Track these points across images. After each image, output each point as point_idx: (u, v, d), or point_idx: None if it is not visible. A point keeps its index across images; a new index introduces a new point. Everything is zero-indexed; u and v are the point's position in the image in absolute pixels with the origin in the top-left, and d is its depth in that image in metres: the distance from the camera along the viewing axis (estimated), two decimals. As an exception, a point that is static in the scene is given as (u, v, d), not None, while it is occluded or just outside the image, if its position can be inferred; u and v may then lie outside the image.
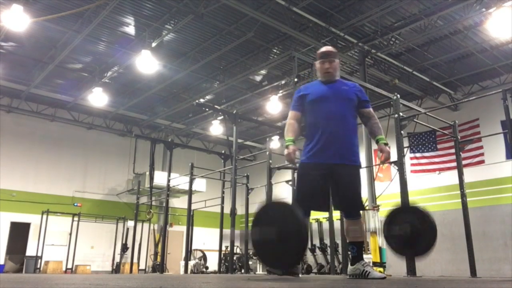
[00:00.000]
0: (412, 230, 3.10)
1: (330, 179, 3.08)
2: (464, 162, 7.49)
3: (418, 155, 13.02)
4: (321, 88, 3.29)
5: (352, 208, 3.17)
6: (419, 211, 3.23)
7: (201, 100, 13.80)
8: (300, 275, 3.02)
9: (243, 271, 10.71)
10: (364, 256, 9.17)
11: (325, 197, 3.11)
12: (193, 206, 9.99)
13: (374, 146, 10.96)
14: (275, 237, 2.53)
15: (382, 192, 8.67)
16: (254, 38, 10.38)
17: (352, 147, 3.17)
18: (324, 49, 3.38)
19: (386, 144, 3.28)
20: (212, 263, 13.71)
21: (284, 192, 11.73)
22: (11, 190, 13.81)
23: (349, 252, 3.20)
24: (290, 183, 8.82)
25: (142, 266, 13.77)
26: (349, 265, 3.22)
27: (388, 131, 7.24)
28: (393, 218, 3.22)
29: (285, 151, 3.09)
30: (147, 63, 10.51)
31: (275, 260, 2.64)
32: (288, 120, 3.28)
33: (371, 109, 3.36)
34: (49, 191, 14.58)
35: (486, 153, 11.62)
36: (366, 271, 3.01)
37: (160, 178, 13.08)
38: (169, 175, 10.40)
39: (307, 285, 2.19)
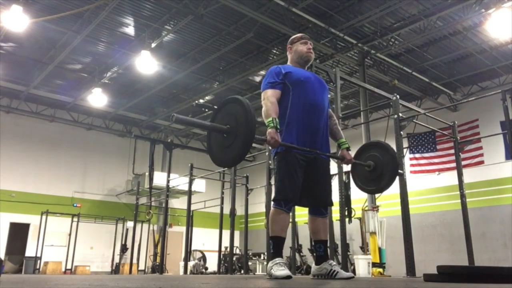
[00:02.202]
0: (375, 164, 3.22)
1: (306, 171, 2.89)
2: (463, 162, 7.49)
3: (417, 155, 13.02)
4: (302, 71, 3.06)
5: (328, 204, 2.99)
6: (381, 144, 3.36)
7: (201, 100, 13.82)
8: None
9: (242, 271, 10.71)
10: (364, 256, 9.11)
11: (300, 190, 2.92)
12: (193, 207, 9.98)
13: (374, 147, 11.01)
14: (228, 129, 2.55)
15: (382, 193, 8.66)
16: (253, 39, 10.39)
17: (328, 141, 3.04)
18: (299, 34, 3.24)
19: (348, 149, 3.16)
20: (212, 264, 13.69)
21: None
22: (11, 191, 13.79)
23: (314, 254, 3.06)
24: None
25: (141, 267, 13.75)
26: (313, 265, 3.01)
27: (387, 132, 7.24)
28: (358, 155, 3.34)
29: (269, 134, 2.72)
30: (146, 64, 10.51)
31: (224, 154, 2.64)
32: (268, 98, 2.89)
33: (330, 110, 3.20)
34: (49, 191, 14.57)
35: (486, 154, 11.63)
36: (334, 270, 2.83)
37: (159, 178, 13.07)
38: (168, 176, 10.39)
39: (307, 285, 2.19)
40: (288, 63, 3.19)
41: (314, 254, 3.05)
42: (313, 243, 3.07)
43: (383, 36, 10.12)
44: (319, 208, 2.97)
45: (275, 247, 2.83)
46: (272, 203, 2.90)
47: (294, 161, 2.84)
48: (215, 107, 2.88)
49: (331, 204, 3.01)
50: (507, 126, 5.43)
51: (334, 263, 2.94)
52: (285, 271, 2.64)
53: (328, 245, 3.06)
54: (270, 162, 8.12)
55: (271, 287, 1.86)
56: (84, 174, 15.58)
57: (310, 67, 3.36)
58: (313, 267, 2.98)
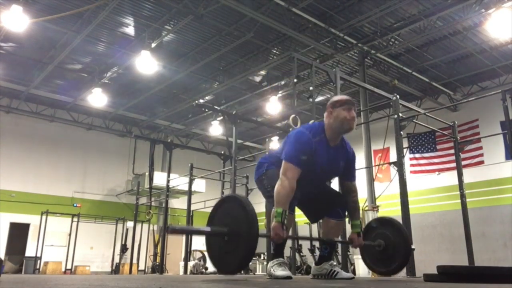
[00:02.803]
0: (386, 244, 2.98)
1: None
2: (463, 162, 7.48)
3: (417, 155, 13.02)
4: (328, 151, 2.77)
5: (343, 203, 2.96)
6: (392, 223, 3.08)
7: (201, 100, 13.80)
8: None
9: (242, 271, 10.70)
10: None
11: None
12: (193, 207, 9.99)
13: (374, 147, 11.01)
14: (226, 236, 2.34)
15: (382, 193, 8.66)
16: (253, 39, 10.39)
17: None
18: (344, 96, 2.90)
19: (359, 234, 2.91)
20: (212, 264, 13.69)
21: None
22: (11, 191, 13.79)
23: (313, 254, 3.01)
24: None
25: (141, 267, 13.76)
26: (313, 265, 2.99)
27: (387, 132, 7.24)
28: (367, 231, 3.09)
29: (273, 230, 2.52)
30: (146, 64, 10.51)
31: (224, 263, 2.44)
32: (288, 178, 2.57)
33: (355, 183, 2.96)
34: (49, 191, 14.57)
35: (486, 154, 11.63)
36: (334, 270, 2.81)
37: (159, 178, 13.07)
38: (168, 176, 10.39)
39: (307, 285, 2.19)
40: (325, 127, 2.83)
41: (314, 254, 3.06)
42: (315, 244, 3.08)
43: (383, 36, 10.11)
44: (336, 208, 2.90)
45: (275, 248, 2.82)
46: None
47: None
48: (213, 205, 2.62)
49: (345, 202, 2.93)
50: (507, 126, 5.44)
51: (335, 263, 2.92)
52: (285, 271, 2.64)
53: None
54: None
55: (271, 287, 1.86)
56: (84, 174, 15.58)
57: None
58: (313, 267, 2.97)
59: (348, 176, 2.91)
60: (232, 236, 2.33)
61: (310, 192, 2.82)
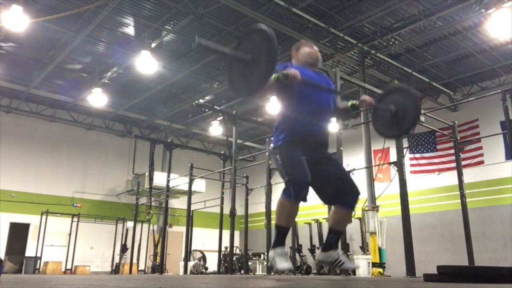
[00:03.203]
0: (396, 108, 3.10)
1: (318, 170, 2.84)
2: (463, 162, 7.49)
3: (417, 155, 13.02)
4: (310, 73, 3.03)
5: (356, 191, 2.92)
6: (401, 88, 3.28)
7: (201, 100, 13.81)
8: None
9: (242, 271, 10.71)
10: (364, 256, 9.12)
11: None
12: (193, 207, 10.00)
13: (374, 147, 11.01)
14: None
15: (382, 193, 8.67)
16: (253, 39, 10.37)
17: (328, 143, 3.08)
18: (302, 40, 3.28)
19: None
20: (212, 264, 13.70)
21: (283, 192, 11.71)
22: (11, 191, 13.80)
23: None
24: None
25: (141, 267, 13.75)
26: (319, 251, 2.97)
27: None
28: (378, 102, 3.24)
29: (290, 72, 2.68)
30: (146, 64, 10.51)
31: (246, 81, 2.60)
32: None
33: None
34: (49, 191, 14.57)
35: (486, 154, 11.63)
36: (340, 260, 2.81)
37: (159, 178, 13.07)
38: (168, 176, 10.40)
39: (307, 285, 2.19)
40: (295, 64, 3.13)
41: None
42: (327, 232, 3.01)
43: (383, 36, 10.11)
44: (347, 197, 2.88)
45: (278, 235, 2.78)
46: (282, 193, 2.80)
47: (298, 151, 2.81)
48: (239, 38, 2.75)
49: (358, 192, 2.91)
50: (507, 126, 5.44)
51: (342, 252, 2.92)
52: (287, 264, 2.63)
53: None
54: (270, 162, 8.12)
55: (271, 287, 1.86)
56: (84, 174, 15.58)
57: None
58: (319, 253, 2.95)
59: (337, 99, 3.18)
60: (253, 62, 2.50)
61: (315, 119, 2.93)
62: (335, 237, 2.93)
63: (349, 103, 3.14)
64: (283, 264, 2.62)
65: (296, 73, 2.66)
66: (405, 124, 3.10)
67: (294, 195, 2.72)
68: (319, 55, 3.15)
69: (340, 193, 2.88)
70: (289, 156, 2.83)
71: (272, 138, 3.03)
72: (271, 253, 2.74)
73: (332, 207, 2.98)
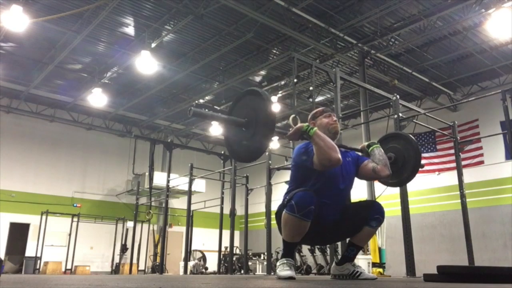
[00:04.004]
0: (396, 156, 3.00)
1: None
2: (463, 162, 7.49)
3: (417, 155, 13.00)
4: None
5: (379, 210, 2.83)
6: (401, 135, 3.15)
7: (201, 100, 13.82)
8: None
9: (242, 271, 10.71)
10: (364, 256, 9.12)
11: None
12: (193, 207, 9.99)
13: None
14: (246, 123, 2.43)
15: (382, 193, 8.65)
16: (253, 39, 10.39)
17: None
18: (319, 107, 3.03)
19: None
20: (212, 264, 13.70)
21: (283, 193, 11.71)
22: (11, 191, 13.80)
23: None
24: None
25: (141, 267, 13.76)
26: (333, 264, 2.96)
27: (387, 132, 7.24)
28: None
29: (296, 127, 2.58)
30: (146, 64, 10.51)
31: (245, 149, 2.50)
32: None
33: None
34: (49, 191, 14.57)
35: (486, 154, 11.63)
36: (357, 271, 2.80)
37: (159, 178, 13.08)
38: (168, 176, 10.40)
39: (307, 285, 2.19)
40: None
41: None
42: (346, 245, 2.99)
43: (383, 36, 10.11)
44: (375, 216, 2.78)
45: (285, 248, 2.77)
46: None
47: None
48: (233, 100, 2.68)
49: (383, 212, 2.82)
50: (507, 126, 5.44)
51: (358, 264, 2.91)
52: (288, 272, 2.64)
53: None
54: (270, 162, 8.12)
55: (271, 287, 1.86)
56: (84, 174, 15.58)
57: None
58: (334, 267, 2.93)
59: (361, 161, 2.93)
60: (250, 126, 2.41)
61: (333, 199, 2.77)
62: (354, 251, 2.90)
63: (369, 144, 2.98)
64: (285, 272, 2.64)
65: (295, 131, 2.57)
66: (404, 173, 3.01)
67: (298, 212, 2.53)
68: (338, 127, 2.89)
69: (366, 218, 2.80)
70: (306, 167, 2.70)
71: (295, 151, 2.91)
72: (278, 262, 2.76)
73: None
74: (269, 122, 2.32)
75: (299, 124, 2.60)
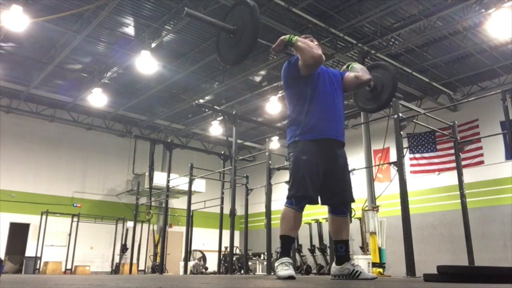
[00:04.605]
0: (375, 83, 3.21)
1: (326, 166, 2.80)
2: (463, 162, 7.49)
3: (417, 155, 13.02)
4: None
5: (348, 201, 2.92)
6: (380, 65, 3.38)
7: (201, 100, 13.81)
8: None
9: (242, 271, 10.71)
10: (364, 256, 9.11)
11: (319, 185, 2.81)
12: (193, 207, 9.99)
13: (374, 147, 11.03)
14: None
15: (382, 193, 8.67)
16: (253, 39, 10.37)
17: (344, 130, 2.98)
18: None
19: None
20: (212, 264, 13.70)
21: (283, 193, 11.71)
22: (11, 191, 13.79)
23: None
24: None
25: (141, 267, 13.76)
26: (333, 264, 2.96)
27: (387, 132, 7.24)
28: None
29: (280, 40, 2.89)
30: (146, 64, 10.51)
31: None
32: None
33: None
34: (49, 191, 14.57)
35: (486, 154, 11.63)
36: (357, 271, 2.81)
37: (159, 178, 13.08)
38: (168, 176, 10.40)
39: (307, 285, 2.19)
40: None
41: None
42: (333, 243, 3.03)
43: (383, 36, 10.11)
44: (339, 206, 2.90)
45: (283, 246, 2.81)
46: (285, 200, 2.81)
47: (310, 158, 2.75)
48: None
49: (352, 200, 2.94)
50: (507, 126, 5.44)
51: (357, 264, 2.93)
52: (288, 271, 2.65)
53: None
54: (270, 162, 8.12)
55: (271, 287, 1.86)
56: (84, 174, 15.58)
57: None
58: (334, 267, 2.95)
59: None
60: (237, 32, 2.75)
61: (329, 109, 2.89)
62: (344, 247, 2.91)
63: (346, 66, 3.18)
64: (284, 272, 2.65)
65: (278, 44, 2.89)
66: (382, 98, 3.25)
67: (296, 204, 2.75)
68: (320, 50, 3.01)
69: (336, 197, 2.90)
70: (298, 164, 2.78)
71: (287, 132, 2.99)
72: (276, 263, 2.78)
73: (328, 217, 2.99)
74: (254, 28, 2.63)
75: (282, 37, 2.86)
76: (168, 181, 10.29)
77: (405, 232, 4.85)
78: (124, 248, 13.61)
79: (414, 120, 5.78)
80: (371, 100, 3.32)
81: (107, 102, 13.57)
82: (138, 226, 12.46)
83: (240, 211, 13.06)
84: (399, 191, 5.10)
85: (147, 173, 13.22)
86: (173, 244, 15.65)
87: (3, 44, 11.02)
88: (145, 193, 13.36)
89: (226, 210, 9.24)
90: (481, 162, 11.67)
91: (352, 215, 7.93)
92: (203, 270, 13.10)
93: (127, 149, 16.10)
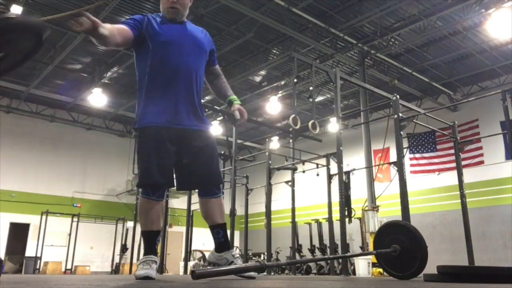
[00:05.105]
0: (401, 249, 2.74)
1: (180, 147, 2.49)
2: (463, 162, 7.49)
3: (417, 155, 13.02)
4: (171, 28, 2.68)
5: (215, 181, 2.57)
6: (406, 227, 2.86)
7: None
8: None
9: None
10: (364, 256, 9.08)
11: (172, 168, 2.49)
12: (193, 207, 9.98)
13: (374, 147, 11.01)
14: None
15: (382, 193, 8.66)
16: (253, 39, 10.39)
17: (202, 109, 2.67)
18: None
19: (241, 105, 2.75)
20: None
21: (283, 193, 11.72)
22: (11, 191, 13.79)
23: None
24: (290, 183, 8.83)
25: (141, 267, 13.74)
26: (212, 250, 2.69)
27: (387, 132, 7.24)
28: (379, 237, 2.87)
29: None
30: (146, 64, 10.50)
31: None
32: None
33: (218, 66, 2.83)
34: (49, 191, 14.57)
35: (486, 154, 11.63)
36: (235, 264, 2.47)
37: (159, 178, 13.05)
38: (168, 176, 10.38)
39: (307, 285, 2.19)
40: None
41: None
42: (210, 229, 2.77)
43: (383, 36, 10.11)
44: (208, 187, 2.57)
45: (145, 242, 2.54)
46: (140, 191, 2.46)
47: (159, 136, 2.45)
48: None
49: (219, 182, 2.63)
50: (507, 126, 5.44)
51: (238, 255, 2.61)
52: (145, 271, 2.34)
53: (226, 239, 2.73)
54: (270, 162, 8.12)
55: (271, 287, 1.86)
56: (84, 174, 15.58)
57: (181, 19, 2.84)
58: (212, 253, 2.69)
59: (212, 59, 2.78)
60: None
61: (184, 82, 2.59)
62: (221, 232, 2.63)
63: (231, 97, 2.75)
64: (140, 271, 2.35)
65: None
66: (410, 269, 2.70)
67: (153, 195, 2.45)
68: (176, 6, 2.74)
69: (204, 183, 2.59)
70: (147, 148, 2.48)
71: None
72: (138, 262, 2.51)
73: (199, 201, 2.69)
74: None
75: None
76: (168, 181, 10.27)
77: (405, 232, 4.85)
78: (124, 248, 13.60)
79: (414, 120, 5.78)
80: (398, 266, 2.76)
81: (107, 102, 13.56)
82: (138, 226, 12.45)
83: (240, 211, 13.03)
84: (399, 191, 5.10)
85: (147, 173, 13.19)
86: (173, 244, 15.65)
87: (3, 44, 11.01)
88: (145, 193, 13.34)
89: (226, 210, 9.23)
90: (481, 162, 11.67)
91: (352, 215, 7.92)
92: (203, 270, 13.08)
93: (127, 149, 16.10)
